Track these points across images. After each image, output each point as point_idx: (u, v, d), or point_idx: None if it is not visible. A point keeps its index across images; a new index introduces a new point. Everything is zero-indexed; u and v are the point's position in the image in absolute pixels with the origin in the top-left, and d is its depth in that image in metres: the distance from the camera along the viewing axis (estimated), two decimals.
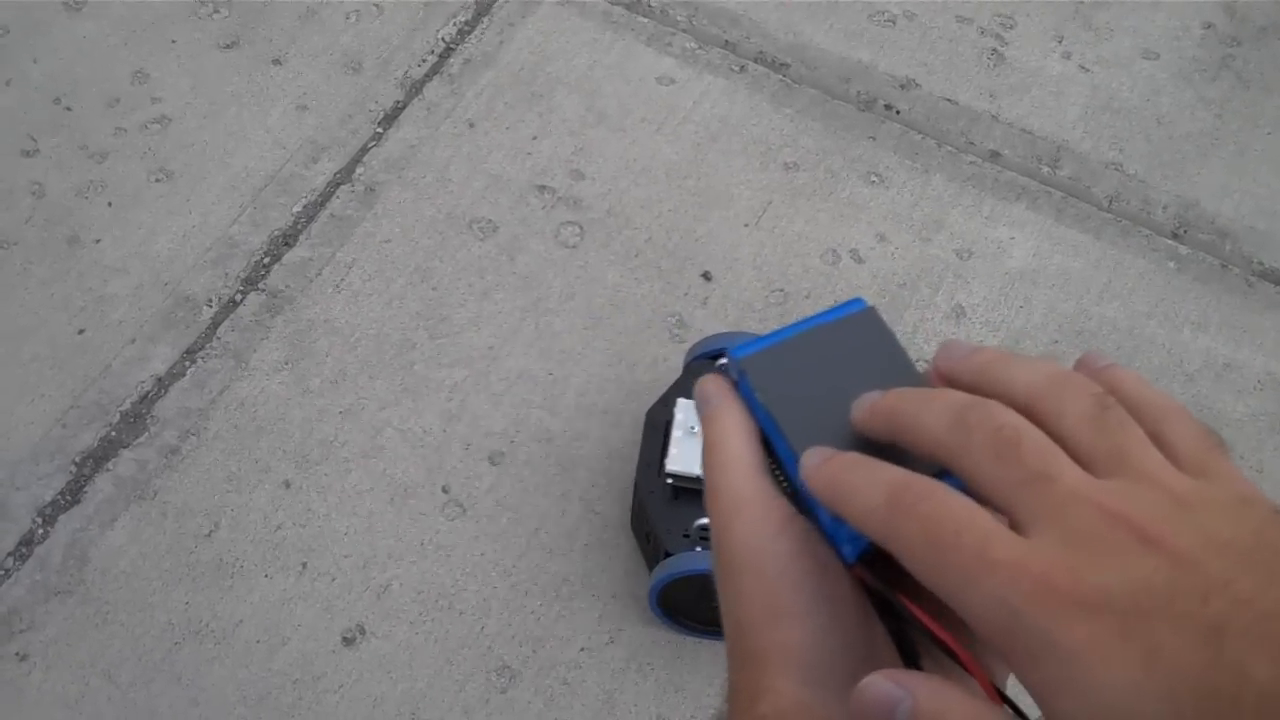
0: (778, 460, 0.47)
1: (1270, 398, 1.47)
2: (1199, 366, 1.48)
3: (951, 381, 0.45)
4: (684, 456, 1.23)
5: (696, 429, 1.24)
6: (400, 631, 1.28)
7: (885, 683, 0.39)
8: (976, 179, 1.60)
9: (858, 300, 0.50)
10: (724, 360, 1.28)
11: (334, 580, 1.30)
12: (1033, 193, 1.60)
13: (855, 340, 0.48)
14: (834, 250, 1.53)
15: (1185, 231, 1.58)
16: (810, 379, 0.47)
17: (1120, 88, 1.70)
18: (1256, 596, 0.34)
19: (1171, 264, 1.56)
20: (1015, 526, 0.38)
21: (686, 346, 1.42)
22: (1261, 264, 1.57)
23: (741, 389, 0.48)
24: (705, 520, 1.21)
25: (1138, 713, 0.34)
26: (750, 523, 0.45)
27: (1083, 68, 1.72)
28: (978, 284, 1.52)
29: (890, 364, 0.47)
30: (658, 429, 1.27)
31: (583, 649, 1.28)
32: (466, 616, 1.29)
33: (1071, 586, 0.35)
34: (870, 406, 0.44)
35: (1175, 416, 0.41)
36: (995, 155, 1.63)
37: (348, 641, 1.27)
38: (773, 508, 0.45)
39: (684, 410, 1.26)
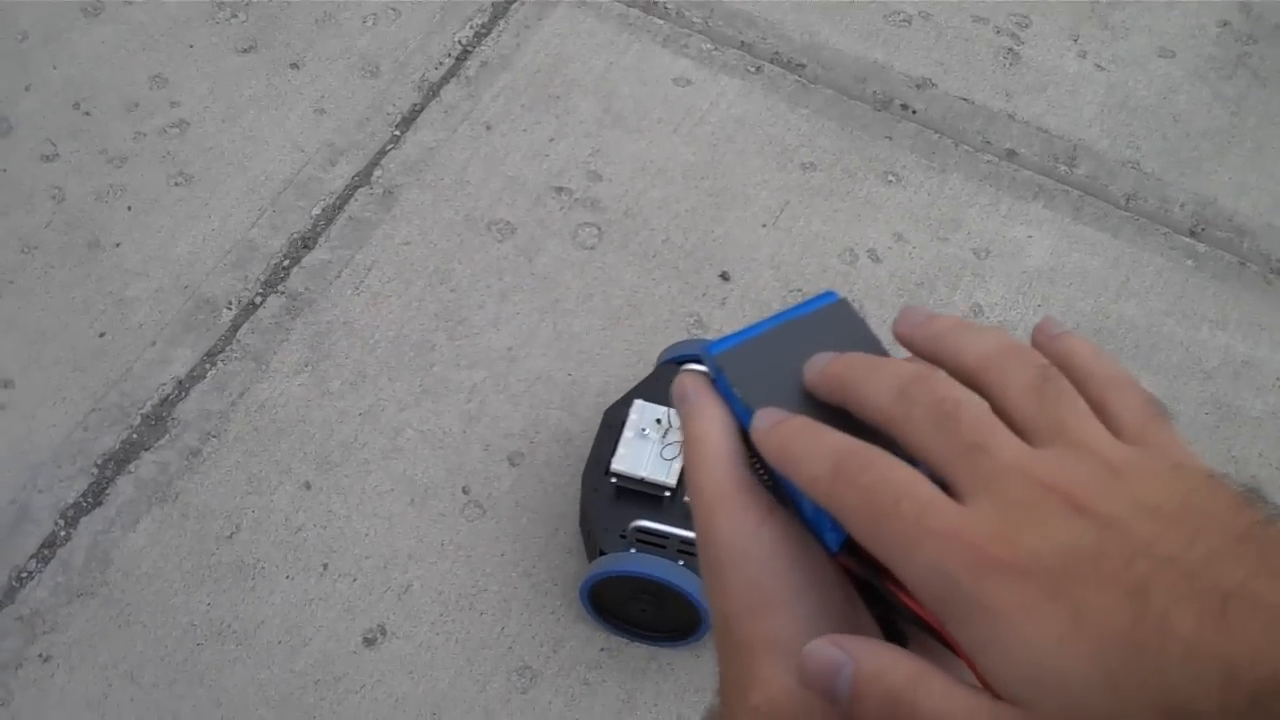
0: (757, 454, 0.47)
1: None
2: (1217, 364, 1.48)
3: (909, 346, 0.46)
4: (631, 457, 1.24)
5: (648, 431, 1.24)
6: (421, 632, 1.28)
7: (828, 647, 0.40)
8: (993, 178, 1.60)
9: (830, 293, 0.50)
10: (691, 366, 1.29)
11: (355, 581, 1.30)
12: (1050, 191, 1.60)
13: (829, 332, 0.49)
14: (851, 250, 1.53)
15: (1203, 229, 1.58)
16: (786, 372, 0.47)
17: (1136, 86, 1.70)
18: (1180, 555, 0.35)
19: (1189, 261, 1.56)
20: (954, 495, 0.39)
21: None
22: None
23: (719, 385, 0.49)
24: (643, 522, 1.22)
25: (1066, 669, 0.35)
26: (733, 516, 0.46)
27: (1099, 66, 1.72)
28: (995, 283, 1.52)
29: (864, 352, 0.48)
30: (613, 428, 1.27)
31: (603, 649, 1.29)
32: (487, 617, 1.29)
33: (1003, 552, 0.36)
34: (821, 370, 0.45)
35: (1119, 386, 0.42)
36: (1012, 154, 1.63)
37: (369, 642, 1.27)
38: (754, 500, 0.46)
39: (638, 411, 1.26)
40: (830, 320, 0.49)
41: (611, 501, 1.25)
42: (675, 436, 1.25)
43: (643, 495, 1.24)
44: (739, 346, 0.49)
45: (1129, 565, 0.35)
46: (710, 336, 1.42)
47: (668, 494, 1.24)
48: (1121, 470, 0.38)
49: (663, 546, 1.22)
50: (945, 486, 0.40)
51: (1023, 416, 0.41)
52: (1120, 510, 0.36)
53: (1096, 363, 0.43)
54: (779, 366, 0.48)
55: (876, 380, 0.43)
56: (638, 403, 1.27)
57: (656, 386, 1.30)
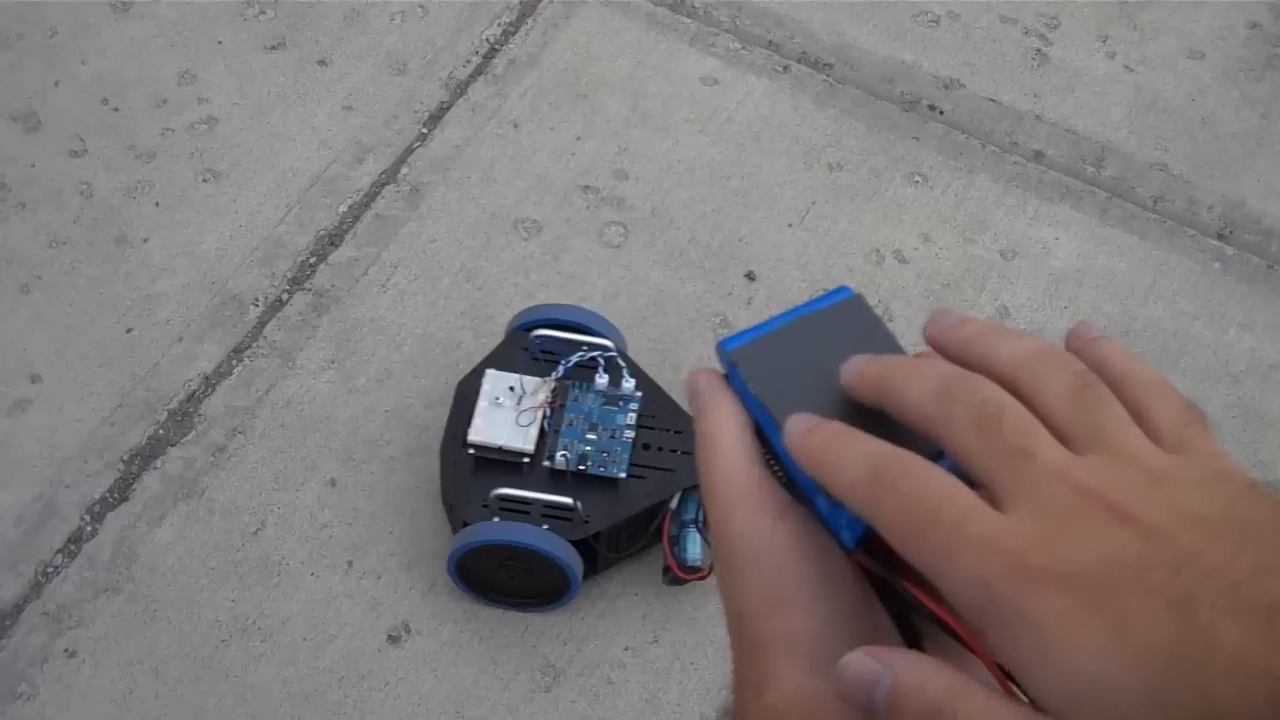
0: (772, 450, 0.47)
1: None
2: (1245, 367, 1.47)
3: (940, 351, 0.46)
4: (487, 427, 1.24)
5: (502, 400, 1.25)
6: (445, 630, 1.29)
7: (866, 659, 0.40)
8: (1020, 179, 1.60)
9: (844, 288, 0.50)
10: (541, 331, 1.30)
11: (379, 578, 1.31)
12: (1077, 193, 1.60)
13: (844, 327, 0.49)
14: (878, 250, 1.53)
15: (1231, 232, 1.58)
16: (801, 368, 0.47)
17: (1165, 87, 1.70)
18: (1226, 567, 0.34)
19: (1217, 264, 1.55)
20: (994, 501, 0.39)
21: None
22: None
23: (732, 381, 0.49)
24: (504, 490, 1.23)
25: (1110, 681, 0.34)
26: (748, 513, 0.46)
27: (1127, 68, 1.71)
28: (1022, 284, 1.52)
29: (879, 349, 0.48)
30: (467, 399, 1.28)
31: (627, 648, 1.29)
32: (511, 615, 1.29)
33: (1045, 562, 0.36)
34: (860, 371, 0.45)
35: (1157, 392, 0.42)
36: (1039, 155, 1.62)
37: (393, 639, 1.28)
38: (770, 498, 0.46)
39: (491, 381, 1.27)
40: (845, 316, 0.49)
41: (471, 473, 1.25)
42: (530, 403, 1.25)
43: (502, 463, 1.25)
44: (753, 343, 0.49)
45: (1174, 576, 0.35)
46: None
47: (526, 460, 1.24)
48: (1163, 478, 0.38)
49: (526, 513, 1.23)
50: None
51: (1061, 422, 0.40)
52: (1163, 519, 0.36)
53: (1133, 368, 0.43)
54: (794, 363, 0.48)
55: (917, 381, 0.43)
56: (490, 372, 1.28)
57: (507, 355, 1.31)
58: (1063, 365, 0.42)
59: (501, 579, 1.26)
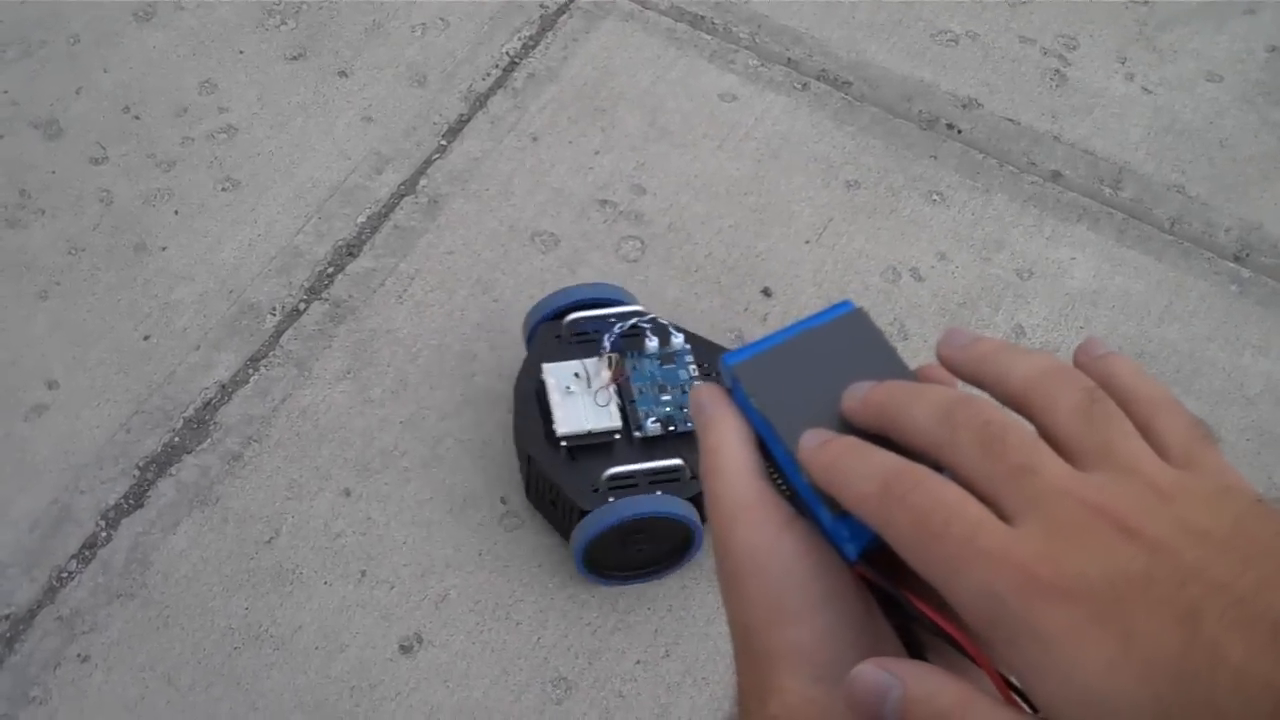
0: (775, 464, 0.47)
1: None
2: (1260, 390, 1.47)
3: (952, 368, 0.46)
4: (570, 418, 1.27)
5: (572, 389, 1.27)
6: (457, 641, 1.29)
7: (875, 670, 0.40)
8: (1038, 199, 1.60)
9: (846, 302, 0.50)
10: (573, 316, 1.31)
11: (392, 588, 1.31)
12: (1094, 214, 1.60)
13: (846, 342, 0.49)
14: (894, 268, 1.53)
15: (1248, 254, 1.58)
16: (803, 382, 0.47)
17: (1183, 110, 1.70)
18: (1232, 581, 0.35)
19: (1233, 287, 1.55)
20: (1002, 518, 0.39)
21: None
22: None
23: (735, 395, 0.49)
24: (614, 469, 1.24)
25: (1116, 694, 0.35)
26: (752, 526, 0.46)
27: (1145, 89, 1.71)
28: (1038, 304, 1.52)
29: (881, 363, 0.48)
30: (529, 398, 1.29)
31: (638, 661, 1.29)
32: (523, 627, 1.29)
33: (1052, 575, 0.37)
34: (863, 398, 0.45)
35: (1165, 408, 0.42)
36: (1057, 176, 1.62)
37: (405, 650, 1.28)
38: (773, 511, 0.46)
39: (553, 374, 1.29)
40: (847, 331, 0.50)
41: (569, 464, 1.27)
42: (599, 383, 1.28)
43: (594, 447, 1.27)
44: (756, 357, 0.49)
45: (1179, 590, 0.35)
46: None
47: (617, 436, 1.27)
48: (1170, 493, 0.38)
49: (635, 485, 1.24)
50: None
51: (1069, 439, 0.41)
52: (1169, 534, 0.37)
53: (1141, 384, 0.43)
54: (796, 377, 0.48)
55: (920, 406, 0.43)
56: (546, 366, 1.30)
57: (547, 348, 1.33)
58: (1072, 382, 0.42)
59: (628, 554, 1.28)
